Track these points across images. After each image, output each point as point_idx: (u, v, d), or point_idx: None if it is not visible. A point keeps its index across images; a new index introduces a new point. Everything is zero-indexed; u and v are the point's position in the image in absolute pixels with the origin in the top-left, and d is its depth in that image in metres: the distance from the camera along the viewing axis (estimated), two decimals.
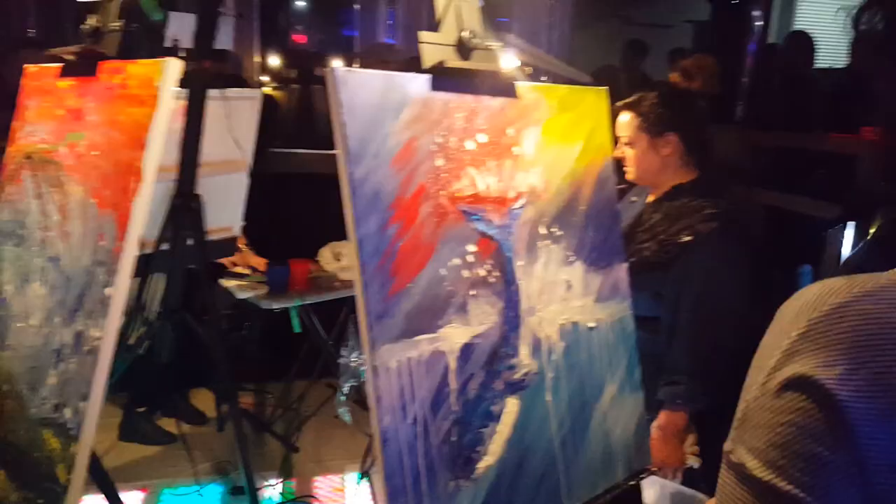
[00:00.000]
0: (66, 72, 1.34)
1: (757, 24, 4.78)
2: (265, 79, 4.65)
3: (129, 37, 1.32)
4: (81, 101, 1.24)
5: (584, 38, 5.32)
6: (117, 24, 1.29)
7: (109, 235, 1.07)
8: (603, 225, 1.50)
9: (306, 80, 5.05)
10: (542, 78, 3.33)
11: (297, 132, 4.99)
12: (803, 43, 4.18)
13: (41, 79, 1.41)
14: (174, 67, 1.07)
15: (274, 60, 4.72)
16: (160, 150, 1.07)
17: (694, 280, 1.68)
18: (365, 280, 1.09)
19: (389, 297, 1.12)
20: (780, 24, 5.78)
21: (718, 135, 4.20)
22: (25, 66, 1.45)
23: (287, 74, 5.16)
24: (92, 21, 1.31)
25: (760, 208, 3.66)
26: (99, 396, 1.04)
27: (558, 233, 1.39)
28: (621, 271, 1.55)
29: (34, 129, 1.36)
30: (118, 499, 1.44)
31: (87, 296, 1.09)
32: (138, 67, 1.13)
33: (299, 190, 3.65)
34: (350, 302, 3.16)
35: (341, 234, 3.47)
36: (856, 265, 0.57)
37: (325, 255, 3.24)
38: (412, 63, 1.23)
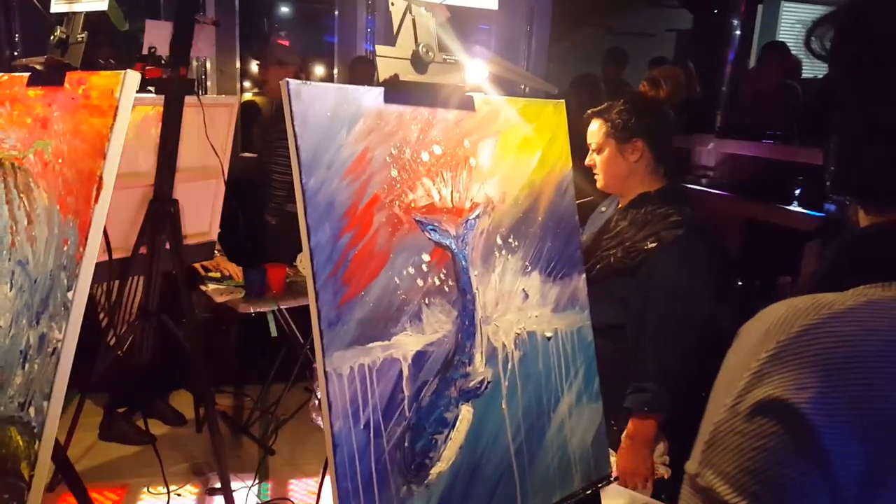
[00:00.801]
0: (34, 81, 1.38)
1: (736, 33, 4.86)
2: (246, 84, 4.69)
3: (97, 48, 1.36)
4: (48, 110, 1.28)
5: (566, 47, 5.39)
6: (82, 35, 1.33)
7: (72, 241, 1.11)
8: (561, 235, 1.53)
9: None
10: (523, 88, 3.40)
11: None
12: (774, 55, 4.25)
13: (12, 87, 1.45)
14: (133, 79, 1.11)
15: (255, 67, 4.75)
16: (118, 159, 1.11)
17: (659, 286, 1.69)
18: (317, 288, 1.13)
19: (342, 305, 1.16)
20: (761, 35, 5.86)
21: (698, 143, 4.28)
22: None
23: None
24: (59, 32, 1.35)
25: (736, 217, 3.71)
26: (60, 396, 1.08)
27: (515, 243, 1.43)
28: (580, 281, 1.58)
29: (5, 136, 1.40)
30: (88, 499, 1.48)
31: (51, 299, 1.13)
32: (100, 79, 1.17)
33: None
34: None
35: None
36: (816, 282, 0.59)
37: (304, 260, 3.28)
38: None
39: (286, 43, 5.30)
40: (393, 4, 1.27)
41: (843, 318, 0.50)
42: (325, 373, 1.12)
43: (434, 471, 1.26)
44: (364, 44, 4.31)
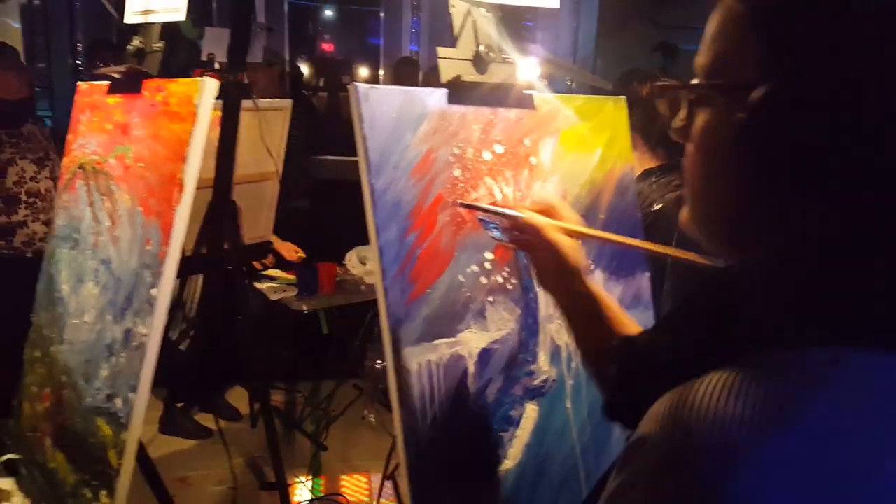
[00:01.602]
0: (114, 89, 1.45)
1: None
2: None
3: (171, 55, 1.43)
4: (128, 116, 1.35)
5: (611, 41, 5.34)
6: (159, 45, 1.39)
7: (155, 240, 1.17)
8: (623, 233, 1.53)
9: (333, 87, 5.18)
10: (569, 83, 3.39)
11: (325, 139, 5.12)
12: None
13: (91, 95, 1.52)
14: (211, 86, 1.16)
15: (303, 69, 4.84)
16: (199, 162, 1.16)
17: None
18: (386, 286, 1.16)
19: (409, 303, 1.19)
20: None
21: None
22: (78, 83, 1.57)
23: (315, 83, 5.30)
24: (136, 42, 1.42)
25: None
26: (146, 388, 1.14)
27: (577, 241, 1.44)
28: (643, 280, 1.57)
29: (86, 141, 1.48)
30: (162, 485, 1.55)
31: (135, 296, 1.19)
32: (178, 86, 1.23)
33: (326, 195, 3.75)
34: (375, 305, 3.25)
35: (367, 240, 3.55)
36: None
37: (352, 259, 3.34)
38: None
39: (330, 46, 5.39)
40: (454, 7, 1.30)
41: None
42: (396, 370, 1.15)
43: (501, 469, 1.27)
44: (409, 44, 4.36)
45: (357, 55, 5.42)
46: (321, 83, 5.19)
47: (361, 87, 1.15)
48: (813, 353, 0.45)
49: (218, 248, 2.52)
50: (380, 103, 1.17)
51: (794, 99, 0.49)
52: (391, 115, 1.18)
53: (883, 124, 0.47)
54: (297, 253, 3.29)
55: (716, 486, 0.41)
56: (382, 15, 4.37)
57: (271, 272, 3.16)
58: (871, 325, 0.46)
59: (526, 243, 1.07)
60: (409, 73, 3.95)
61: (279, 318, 3.30)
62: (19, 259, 2.81)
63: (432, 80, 3.84)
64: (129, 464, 1.14)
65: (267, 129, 2.55)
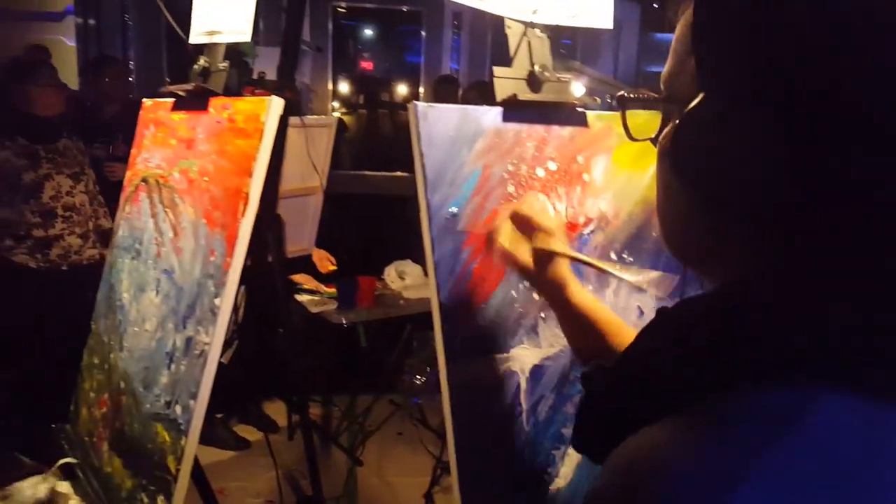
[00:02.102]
0: (178, 106, 1.51)
1: None
2: (335, 104, 4.87)
3: (230, 74, 1.48)
4: (192, 132, 1.40)
5: (651, 59, 5.33)
6: (223, 64, 1.44)
7: (219, 251, 1.20)
8: None
9: (373, 104, 5.26)
10: (611, 101, 3.39)
11: (364, 154, 5.20)
12: None
13: (156, 111, 1.58)
14: (277, 105, 1.20)
15: (344, 87, 4.93)
16: (263, 177, 1.20)
17: None
18: (440, 299, 1.18)
19: (463, 317, 1.20)
20: None
21: None
22: (143, 99, 1.63)
23: (355, 100, 5.39)
24: (202, 62, 1.47)
25: None
26: (206, 395, 1.17)
27: (629, 259, 1.44)
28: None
29: (150, 155, 1.53)
30: (211, 492, 1.58)
31: (198, 305, 1.22)
32: (245, 104, 1.27)
33: (365, 210, 3.80)
34: (414, 320, 3.28)
35: (405, 254, 3.62)
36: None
37: (391, 273, 3.37)
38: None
39: (370, 65, 5.48)
40: (509, 28, 1.32)
41: None
42: (449, 383, 1.17)
43: (553, 487, 1.27)
44: (449, 63, 4.41)
45: (396, 73, 5.50)
46: (361, 100, 5.29)
47: (420, 105, 1.18)
48: (770, 398, 0.42)
49: (262, 261, 2.58)
50: (437, 121, 1.20)
51: (716, 115, 0.47)
52: (448, 132, 1.21)
53: (819, 149, 0.43)
54: (330, 262, 3.32)
55: None
56: (423, 34, 4.44)
57: (310, 286, 3.20)
58: (840, 363, 0.43)
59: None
60: (448, 90, 4.00)
61: (318, 330, 3.34)
62: (55, 272, 2.86)
63: (472, 97, 3.88)
64: (187, 469, 1.17)
65: (312, 144, 2.61)
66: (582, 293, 0.99)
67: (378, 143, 5.06)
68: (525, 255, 1.01)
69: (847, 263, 0.45)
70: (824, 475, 0.39)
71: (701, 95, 0.48)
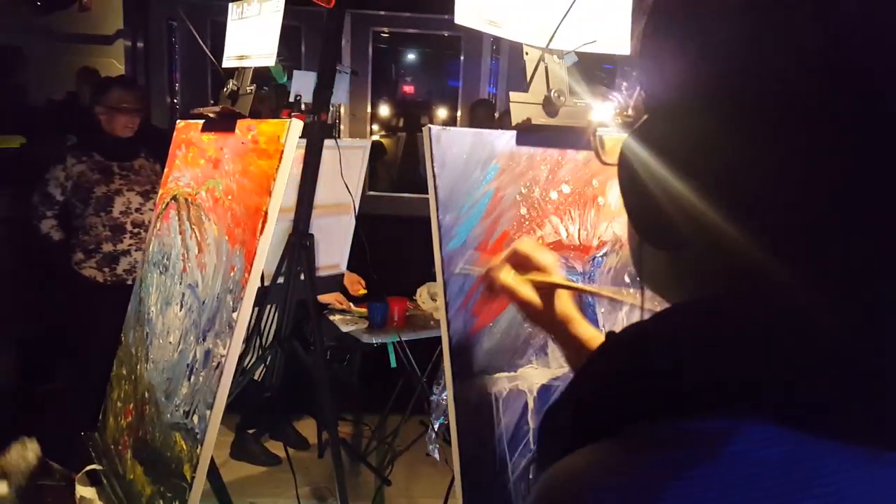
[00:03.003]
0: (207, 127, 1.57)
1: None
2: (375, 128, 4.97)
3: (262, 96, 1.53)
4: (220, 152, 1.46)
5: None
6: (251, 87, 1.50)
7: (239, 267, 1.25)
8: None
9: (411, 128, 5.35)
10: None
11: (403, 177, 5.28)
12: None
13: (188, 132, 1.65)
14: (297, 127, 1.25)
15: (384, 110, 5.03)
16: (281, 196, 1.24)
17: None
18: (449, 317, 1.20)
19: (471, 335, 1.22)
20: None
21: None
22: (177, 120, 1.71)
23: (395, 123, 5.50)
24: (231, 85, 1.54)
25: None
26: (221, 406, 1.21)
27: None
28: None
29: (181, 174, 1.60)
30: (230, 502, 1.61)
31: (217, 318, 1.27)
32: (267, 126, 1.32)
33: (400, 231, 3.85)
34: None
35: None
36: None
37: (423, 294, 3.40)
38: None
39: (411, 88, 5.57)
40: (527, 53, 1.35)
41: None
42: (455, 399, 1.18)
43: None
44: (487, 87, 4.47)
45: (436, 97, 5.58)
46: (400, 124, 5.38)
47: (434, 128, 1.21)
48: (693, 425, 0.42)
49: (294, 279, 2.64)
50: (451, 144, 1.23)
51: (643, 130, 0.47)
52: (462, 155, 1.24)
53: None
54: (361, 286, 3.37)
55: None
56: (462, 58, 4.50)
57: (341, 305, 3.25)
58: (767, 393, 0.42)
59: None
60: (484, 114, 4.04)
61: (349, 350, 3.39)
62: (121, 286, 2.97)
63: (507, 121, 3.92)
64: (201, 477, 1.21)
65: (346, 165, 2.67)
66: (585, 328, 1.00)
67: (416, 165, 5.14)
68: (527, 291, 1.01)
69: (785, 292, 0.43)
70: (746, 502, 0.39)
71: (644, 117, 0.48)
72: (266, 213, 1.22)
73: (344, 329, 3.05)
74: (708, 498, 0.39)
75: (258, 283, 1.21)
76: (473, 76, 4.44)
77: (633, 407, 0.44)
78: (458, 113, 4.60)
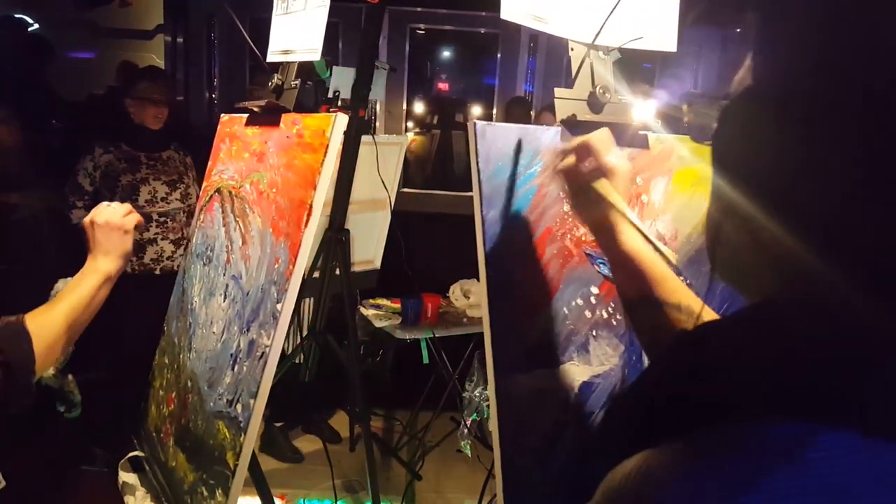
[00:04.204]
0: (252, 121, 1.59)
1: None
2: (409, 125, 4.99)
3: (304, 91, 1.55)
4: (264, 146, 1.48)
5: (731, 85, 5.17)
6: (295, 82, 1.51)
7: (283, 259, 1.26)
8: None
9: (447, 125, 5.35)
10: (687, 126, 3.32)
11: (437, 175, 5.28)
12: None
13: (231, 126, 1.68)
14: (342, 121, 1.26)
15: (419, 107, 5.04)
16: (326, 190, 1.25)
17: None
18: (492, 314, 1.19)
19: (514, 332, 1.22)
20: None
21: None
22: (221, 114, 1.73)
23: (430, 120, 5.50)
24: (276, 79, 1.56)
25: None
26: (265, 395, 1.22)
27: (687, 281, 1.41)
28: None
29: (225, 167, 1.62)
30: (269, 492, 1.63)
31: (262, 309, 1.28)
32: (313, 120, 1.33)
33: (434, 228, 3.86)
34: (477, 338, 3.29)
35: (471, 273, 3.61)
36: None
37: (456, 291, 3.40)
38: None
39: (446, 86, 5.57)
40: (572, 49, 1.34)
41: None
42: (497, 396, 1.18)
43: None
44: (524, 84, 4.45)
45: (472, 95, 5.57)
46: (435, 121, 5.38)
47: (479, 123, 1.21)
48: (772, 430, 0.41)
49: (330, 274, 2.66)
50: (495, 139, 1.22)
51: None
52: (506, 151, 1.23)
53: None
54: None
55: None
56: (499, 56, 4.49)
57: (378, 300, 3.27)
58: (848, 399, 0.41)
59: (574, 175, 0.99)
60: (520, 112, 4.02)
61: (382, 345, 3.40)
62: (148, 276, 3.03)
63: (543, 118, 3.89)
64: (244, 465, 1.22)
65: (382, 161, 2.68)
66: (630, 238, 0.96)
67: (450, 163, 5.14)
68: (582, 187, 0.97)
69: (872, 301, 0.43)
70: None
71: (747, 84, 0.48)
72: (311, 206, 1.23)
73: (377, 324, 3.07)
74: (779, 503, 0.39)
75: (302, 275, 1.22)
76: (510, 74, 4.43)
77: (707, 406, 0.44)
78: (494, 111, 4.58)
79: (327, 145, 1.23)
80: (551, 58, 4.39)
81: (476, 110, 5.28)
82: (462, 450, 2.95)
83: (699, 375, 0.46)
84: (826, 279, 0.44)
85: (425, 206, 4.12)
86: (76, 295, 1.22)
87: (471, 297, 3.32)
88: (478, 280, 3.61)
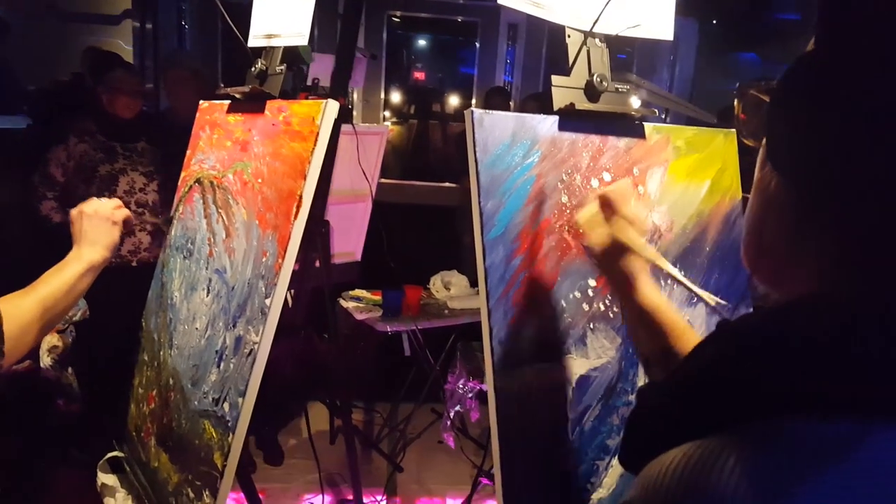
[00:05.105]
0: (234, 108, 1.53)
1: None
2: (387, 114, 4.92)
3: (286, 78, 1.49)
4: (248, 134, 1.42)
5: (708, 75, 5.22)
6: (281, 67, 1.46)
7: (271, 252, 1.21)
8: (729, 267, 1.49)
9: (424, 115, 5.29)
10: (664, 116, 3.33)
11: (413, 165, 5.23)
12: None
13: (212, 113, 1.61)
14: (333, 108, 1.21)
15: (396, 97, 4.97)
16: (316, 180, 1.21)
17: None
18: (490, 307, 1.16)
19: (512, 324, 1.19)
20: None
21: None
22: (200, 101, 1.66)
23: (406, 110, 5.44)
24: (259, 65, 1.50)
25: None
26: (254, 393, 1.18)
27: (681, 272, 1.40)
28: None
29: (205, 157, 1.56)
30: (255, 493, 1.59)
31: (249, 305, 1.23)
32: (301, 107, 1.28)
33: (412, 219, 3.81)
34: (458, 330, 3.27)
35: (450, 264, 3.58)
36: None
37: (436, 283, 3.37)
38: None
39: (422, 75, 5.51)
40: (569, 36, 1.30)
41: None
42: (496, 390, 1.15)
43: (595, 496, 1.25)
44: (503, 75, 4.41)
45: (448, 84, 5.52)
46: (412, 111, 5.32)
47: (476, 112, 1.17)
48: (822, 428, 0.40)
49: (309, 267, 2.60)
50: (493, 128, 1.19)
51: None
52: (504, 140, 1.20)
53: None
54: None
55: None
56: (478, 45, 4.45)
57: (357, 292, 3.22)
58: (890, 397, 0.40)
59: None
60: (499, 102, 3.99)
61: (362, 337, 3.36)
62: (124, 268, 2.95)
63: (529, 109, 3.87)
64: (232, 465, 1.18)
65: (363, 151, 2.63)
66: (651, 291, 0.96)
67: (428, 153, 5.08)
68: (603, 239, 0.99)
69: None
70: None
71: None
72: (301, 197, 1.18)
73: (358, 317, 3.02)
74: (830, 502, 0.38)
75: (292, 269, 1.18)
76: (489, 64, 4.39)
77: (746, 403, 0.42)
78: (473, 101, 4.55)
79: (317, 133, 1.18)
80: (530, 48, 4.36)
81: (454, 100, 5.23)
82: (445, 441, 2.94)
83: (735, 370, 0.44)
84: (880, 273, 0.43)
85: (403, 196, 4.07)
86: (56, 281, 1.20)
87: (452, 289, 3.29)
88: (458, 271, 3.60)
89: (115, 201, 1.32)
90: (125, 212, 1.32)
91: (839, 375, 0.41)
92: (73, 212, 1.29)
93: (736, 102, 1.70)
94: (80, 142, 2.87)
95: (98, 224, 1.27)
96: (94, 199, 1.31)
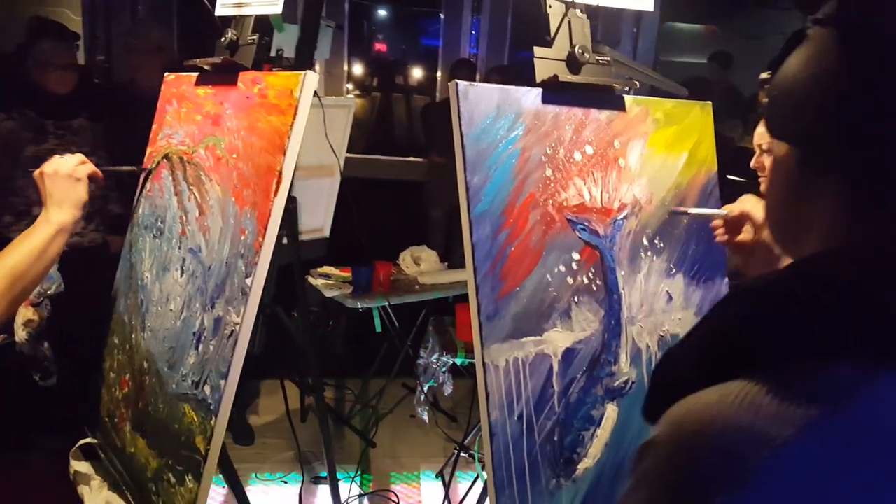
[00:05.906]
0: (203, 80, 1.47)
1: None
2: (349, 87, 4.83)
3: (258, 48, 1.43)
4: (220, 108, 1.36)
5: (671, 44, 5.25)
6: (253, 37, 1.40)
7: (251, 230, 1.17)
8: (706, 238, 1.51)
9: (386, 88, 5.20)
10: (627, 90, 3.33)
11: (377, 139, 5.16)
12: None
13: (179, 86, 1.54)
14: (312, 80, 1.17)
15: (358, 69, 4.87)
16: (296, 155, 1.17)
17: None
18: (478, 282, 1.15)
19: (499, 299, 1.18)
20: None
21: None
22: (165, 73, 1.59)
23: (369, 83, 5.34)
24: (230, 35, 1.44)
25: None
26: (236, 375, 1.15)
27: (660, 245, 1.42)
28: (723, 286, 1.56)
29: (173, 131, 1.50)
30: (236, 475, 1.56)
31: (227, 285, 1.19)
32: (277, 79, 1.23)
33: (379, 194, 3.77)
34: (430, 305, 3.26)
35: (419, 239, 3.56)
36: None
37: (406, 258, 3.34)
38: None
39: (383, 47, 5.42)
40: (550, 7, 1.28)
41: None
42: (483, 364, 1.15)
43: (581, 466, 1.27)
44: (468, 47, 4.36)
45: (412, 57, 5.44)
46: (375, 83, 5.22)
47: (461, 84, 1.15)
48: (829, 371, 0.43)
49: (277, 243, 2.55)
50: (479, 101, 1.16)
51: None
52: (489, 112, 1.18)
53: None
54: None
55: (709, 494, 0.41)
56: (442, 16, 4.38)
57: (326, 269, 3.17)
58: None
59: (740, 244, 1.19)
60: (465, 75, 3.94)
61: (332, 314, 3.32)
62: (76, 250, 2.80)
63: (493, 81, 3.83)
64: (216, 449, 1.15)
65: (330, 125, 2.57)
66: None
67: (392, 127, 5.02)
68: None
69: None
70: (870, 451, 0.41)
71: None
72: (280, 172, 1.14)
73: (328, 294, 2.98)
74: (834, 440, 0.40)
75: (272, 247, 1.14)
76: (454, 36, 4.32)
77: (769, 351, 0.45)
78: (438, 73, 4.49)
79: (296, 107, 1.14)
80: (495, 20, 4.31)
81: (417, 73, 5.15)
82: (419, 416, 2.94)
83: (755, 319, 0.47)
84: (884, 226, 0.47)
85: (369, 171, 4.02)
86: (25, 246, 1.17)
87: (422, 264, 3.27)
88: (427, 246, 3.57)
89: (78, 156, 1.29)
90: (89, 167, 1.29)
91: (847, 325, 0.44)
92: (35, 173, 1.28)
93: (760, 94, 1.73)
94: (8, 118, 2.67)
95: (61, 183, 1.25)
96: (56, 156, 1.29)
